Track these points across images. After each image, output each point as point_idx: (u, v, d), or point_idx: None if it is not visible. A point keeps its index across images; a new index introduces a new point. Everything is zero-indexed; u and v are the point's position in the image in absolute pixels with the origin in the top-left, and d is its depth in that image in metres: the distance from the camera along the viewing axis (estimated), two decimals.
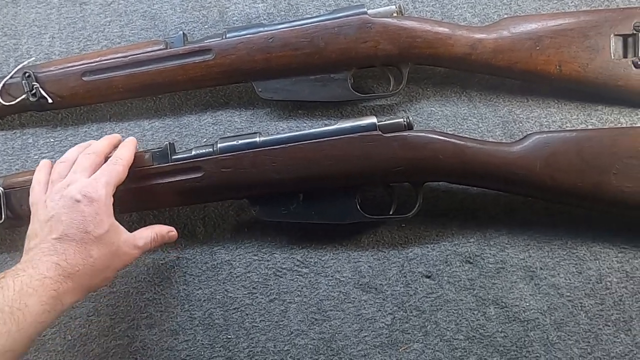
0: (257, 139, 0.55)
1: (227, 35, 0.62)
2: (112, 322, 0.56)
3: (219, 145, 0.55)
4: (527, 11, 0.67)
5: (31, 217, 0.48)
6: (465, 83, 0.65)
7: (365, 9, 0.61)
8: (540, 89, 0.63)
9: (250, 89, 0.63)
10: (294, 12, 0.71)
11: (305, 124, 0.65)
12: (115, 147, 0.53)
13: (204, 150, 0.55)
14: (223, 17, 0.72)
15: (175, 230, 0.54)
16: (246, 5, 0.72)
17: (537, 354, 0.50)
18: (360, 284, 0.55)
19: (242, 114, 0.66)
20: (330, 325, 0.54)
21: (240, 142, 0.55)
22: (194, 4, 0.73)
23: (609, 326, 0.51)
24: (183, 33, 0.63)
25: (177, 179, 0.55)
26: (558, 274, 0.54)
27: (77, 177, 0.48)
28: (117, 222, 0.48)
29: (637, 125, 0.58)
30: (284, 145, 0.54)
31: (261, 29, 0.62)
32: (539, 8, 0.67)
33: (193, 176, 0.54)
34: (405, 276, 0.55)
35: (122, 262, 0.48)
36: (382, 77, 0.65)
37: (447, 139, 0.54)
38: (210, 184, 0.54)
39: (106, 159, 0.51)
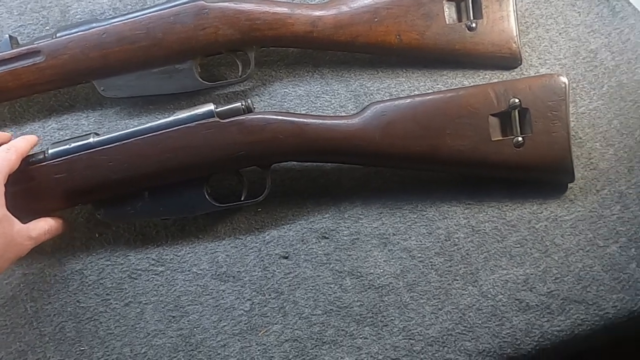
0: (91, 140, 0.53)
1: (57, 35, 0.59)
2: None
3: (50, 151, 0.52)
4: None
5: None
6: (317, 61, 0.65)
7: None
8: (389, 60, 0.64)
9: (96, 89, 0.61)
10: (142, 4, 0.68)
11: (157, 119, 0.62)
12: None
13: (34, 159, 0.52)
14: (65, 16, 0.68)
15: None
16: (89, 2, 0.68)
17: (392, 317, 0.52)
18: (218, 274, 0.54)
19: (89, 115, 0.63)
20: (188, 321, 0.52)
21: (72, 145, 0.52)
22: (33, 5, 0.68)
23: (458, 280, 0.53)
24: (10, 36, 0.59)
25: (11, 190, 0.51)
26: (410, 237, 0.55)
27: None
28: (9, 213, 0.47)
29: (466, 86, 0.60)
30: (118, 143, 0.52)
31: (93, 25, 0.59)
32: None
33: (26, 186, 0.52)
34: (262, 260, 0.55)
35: (15, 254, 0.48)
36: (233, 63, 0.63)
37: (285, 118, 0.53)
38: (45, 194, 0.52)
39: None
